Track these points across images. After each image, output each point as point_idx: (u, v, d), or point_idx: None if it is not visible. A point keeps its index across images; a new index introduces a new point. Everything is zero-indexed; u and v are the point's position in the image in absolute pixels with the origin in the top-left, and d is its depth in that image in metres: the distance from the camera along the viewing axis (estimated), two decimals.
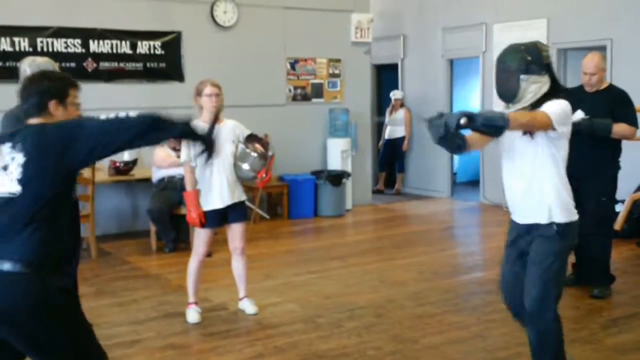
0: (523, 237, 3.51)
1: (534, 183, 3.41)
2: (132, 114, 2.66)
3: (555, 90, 3.39)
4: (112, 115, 2.67)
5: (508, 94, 3.37)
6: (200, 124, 3.02)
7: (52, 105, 2.77)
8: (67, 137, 2.65)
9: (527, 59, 3.32)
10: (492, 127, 3.01)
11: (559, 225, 3.38)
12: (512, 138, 3.41)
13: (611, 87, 5.41)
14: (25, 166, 2.60)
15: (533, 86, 3.32)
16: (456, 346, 4.44)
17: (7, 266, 2.52)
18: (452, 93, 10.74)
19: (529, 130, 3.31)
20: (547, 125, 3.22)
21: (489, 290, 5.64)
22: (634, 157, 5.46)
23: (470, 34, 10.08)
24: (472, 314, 5.08)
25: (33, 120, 2.77)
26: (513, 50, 3.38)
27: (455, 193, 10.85)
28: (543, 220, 3.39)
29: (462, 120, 2.91)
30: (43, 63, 4.39)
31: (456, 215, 9.64)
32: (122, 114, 2.66)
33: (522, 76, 3.30)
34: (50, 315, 2.57)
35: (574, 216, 3.43)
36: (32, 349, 2.62)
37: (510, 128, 3.06)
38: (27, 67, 4.35)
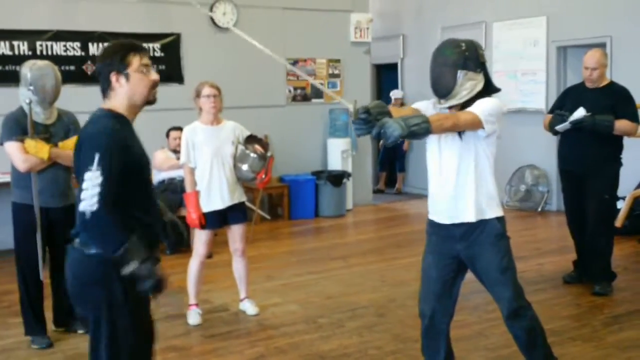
0: (454, 240, 3.42)
1: (465, 181, 3.34)
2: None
3: (488, 90, 3.36)
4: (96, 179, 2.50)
5: (443, 88, 3.31)
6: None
7: (114, 80, 2.65)
8: (78, 144, 2.64)
9: (466, 54, 3.28)
10: (417, 136, 2.98)
11: (500, 219, 3.39)
12: (438, 137, 3.35)
13: (612, 84, 5.40)
14: None
15: (468, 83, 3.28)
16: (458, 345, 4.42)
17: None
18: None
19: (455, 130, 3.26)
20: (475, 125, 3.19)
21: None
22: (635, 153, 5.46)
23: (470, 33, 10.00)
24: (473, 312, 5.07)
25: (103, 105, 2.71)
26: (452, 45, 3.34)
27: None
28: (480, 217, 3.35)
29: (399, 139, 2.91)
30: (44, 67, 4.41)
31: None
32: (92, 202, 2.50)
33: (459, 71, 3.26)
34: None
35: (502, 211, 3.43)
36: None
37: (434, 133, 3.05)
38: (28, 71, 4.36)
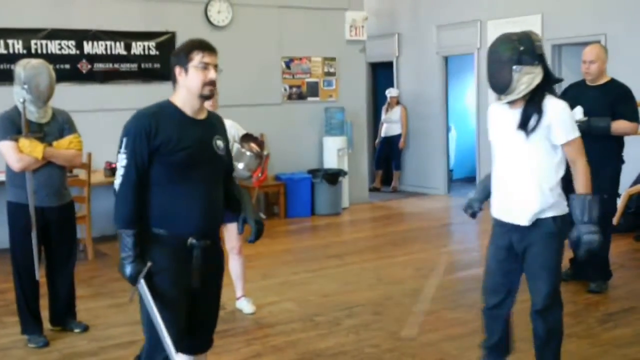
0: (514, 235, 3.47)
1: (528, 179, 3.38)
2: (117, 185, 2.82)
3: (548, 82, 3.36)
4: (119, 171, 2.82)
5: (500, 85, 3.32)
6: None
7: (177, 72, 2.88)
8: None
9: (520, 49, 3.25)
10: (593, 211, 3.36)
11: (555, 219, 3.39)
12: (506, 134, 3.42)
13: (612, 82, 5.30)
14: None
15: (525, 77, 3.26)
16: (454, 343, 4.45)
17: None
18: (447, 90, 10.74)
19: (523, 128, 3.33)
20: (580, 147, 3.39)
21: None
22: (630, 151, 5.45)
23: (465, 31, 10.09)
24: (469, 310, 5.08)
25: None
26: (505, 40, 3.31)
27: (452, 190, 10.86)
28: (535, 217, 3.39)
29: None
30: (38, 65, 4.40)
31: (453, 212, 9.64)
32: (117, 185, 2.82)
33: (514, 67, 3.24)
34: None
35: (565, 209, 3.44)
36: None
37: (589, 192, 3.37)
38: (22, 69, 4.35)
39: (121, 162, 2.79)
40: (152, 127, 2.78)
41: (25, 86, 4.29)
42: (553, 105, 3.32)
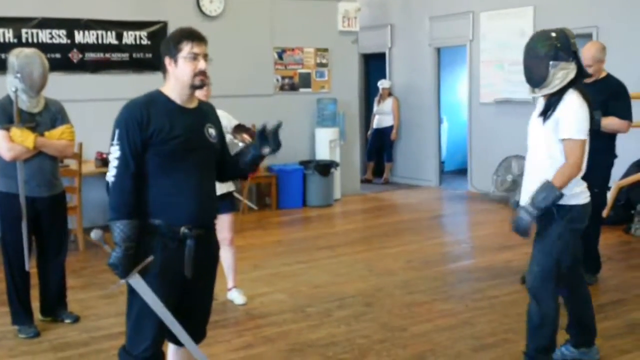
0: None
1: (537, 168, 3.54)
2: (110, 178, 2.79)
3: (580, 78, 3.53)
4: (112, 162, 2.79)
5: (536, 78, 3.49)
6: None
7: (167, 63, 2.86)
8: None
9: (557, 45, 3.43)
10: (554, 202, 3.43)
11: (560, 207, 3.47)
12: (533, 122, 3.62)
13: (608, 77, 5.28)
14: None
15: (561, 72, 3.44)
16: (444, 333, 4.47)
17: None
18: (440, 82, 10.74)
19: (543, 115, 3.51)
20: (579, 145, 3.44)
21: (477, 278, 5.68)
22: (620, 144, 5.48)
23: (458, 23, 10.08)
24: (460, 301, 5.10)
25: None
26: (543, 37, 3.50)
27: (443, 182, 10.89)
28: None
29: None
30: (31, 54, 4.37)
31: (444, 204, 9.67)
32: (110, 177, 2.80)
33: (551, 62, 3.42)
34: None
35: (578, 200, 3.51)
36: None
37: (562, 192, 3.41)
38: (15, 58, 4.32)
39: (114, 153, 2.76)
40: (144, 116, 2.77)
41: (18, 75, 4.26)
42: (568, 101, 3.46)
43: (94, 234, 2.80)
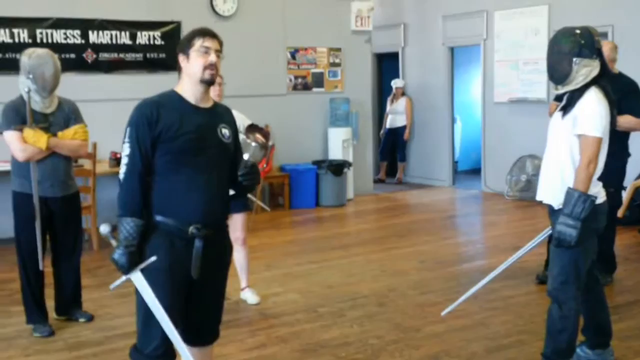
0: (551, 216, 3.66)
1: (555, 163, 3.55)
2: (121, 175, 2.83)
3: (603, 75, 3.51)
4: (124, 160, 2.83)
5: (560, 75, 3.48)
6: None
7: (180, 60, 2.91)
8: None
9: (581, 42, 3.43)
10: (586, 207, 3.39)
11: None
12: (554, 117, 3.63)
13: (620, 76, 5.24)
14: None
15: (584, 69, 3.43)
16: (458, 334, 4.45)
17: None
18: (453, 81, 10.71)
19: (563, 110, 3.51)
20: (595, 142, 3.41)
21: (491, 279, 5.64)
22: (636, 144, 5.43)
23: (471, 22, 10.04)
24: (473, 302, 5.07)
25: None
26: (567, 33, 3.49)
27: (457, 181, 10.85)
28: (556, 201, 3.53)
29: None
30: (43, 55, 4.39)
31: (458, 204, 9.63)
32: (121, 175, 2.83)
33: (574, 59, 3.42)
34: None
35: (597, 199, 3.47)
36: None
37: (586, 190, 3.39)
38: (27, 59, 4.34)
39: (125, 151, 2.80)
40: (154, 114, 2.78)
41: (31, 75, 4.28)
42: (587, 98, 3.45)
43: (102, 229, 2.84)
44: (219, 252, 2.99)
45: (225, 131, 2.96)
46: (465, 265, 6.25)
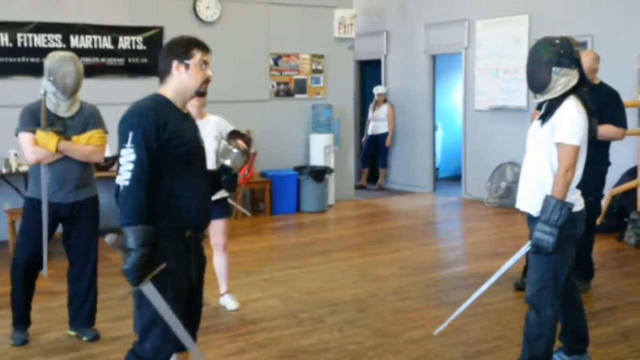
0: (529, 223, 3.69)
1: (534, 171, 3.58)
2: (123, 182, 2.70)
3: (582, 85, 3.55)
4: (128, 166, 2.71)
5: (539, 84, 3.53)
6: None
7: (174, 66, 2.86)
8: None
9: (560, 52, 3.47)
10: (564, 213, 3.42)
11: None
12: (533, 126, 3.67)
13: (601, 86, 5.28)
14: None
15: (563, 79, 3.48)
16: (437, 340, 4.47)
17: None
18: (435, 89, 10.77)
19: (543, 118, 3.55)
20: (572, 150, 3.45)
21: (471, 285, 5.67)
22: (614, 152, 5.49)
23: (453, 30, 10.11)
24: (453, 308, 5.07)
25: (158, 90, 2.91)
26: (547, 43, 3.54)
27: (438, 188, 10.90)
28: (535, 209, 3.55)
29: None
30: (64, 58, 4.28)
31: (438, 210, 9.68)
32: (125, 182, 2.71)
33: (554, 68, 3.46)
34: None
35: (573, 207, 3.50)
36: None
37: (563, 198, 3.42)
38: (49, 61, 4.27)
39: (128, 156, 2.68)
40: (160, 119, 2.75)
41: (51, 78, 4.19)
42: (566, 106, 3.49)
43: (109, 239, 2.70)
44: (203, 254, 3.06)
45: (201, 137, 3.04)
46: (445, 271, 6.28)
